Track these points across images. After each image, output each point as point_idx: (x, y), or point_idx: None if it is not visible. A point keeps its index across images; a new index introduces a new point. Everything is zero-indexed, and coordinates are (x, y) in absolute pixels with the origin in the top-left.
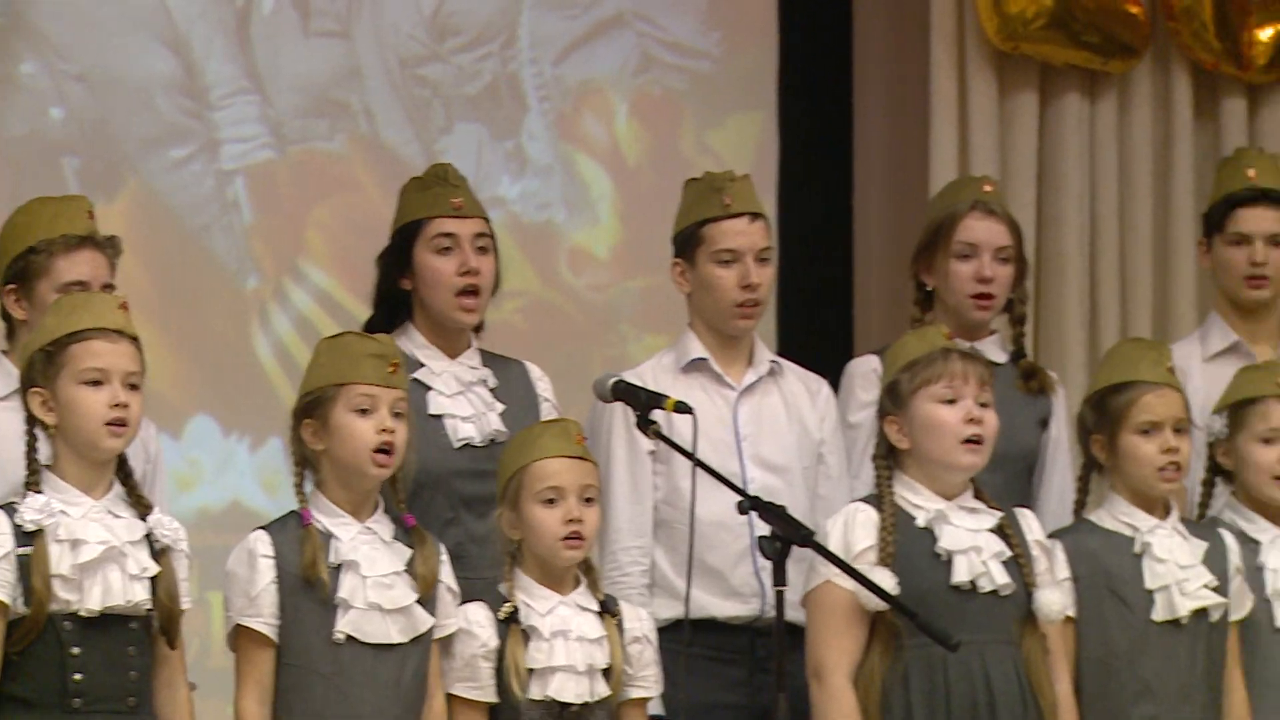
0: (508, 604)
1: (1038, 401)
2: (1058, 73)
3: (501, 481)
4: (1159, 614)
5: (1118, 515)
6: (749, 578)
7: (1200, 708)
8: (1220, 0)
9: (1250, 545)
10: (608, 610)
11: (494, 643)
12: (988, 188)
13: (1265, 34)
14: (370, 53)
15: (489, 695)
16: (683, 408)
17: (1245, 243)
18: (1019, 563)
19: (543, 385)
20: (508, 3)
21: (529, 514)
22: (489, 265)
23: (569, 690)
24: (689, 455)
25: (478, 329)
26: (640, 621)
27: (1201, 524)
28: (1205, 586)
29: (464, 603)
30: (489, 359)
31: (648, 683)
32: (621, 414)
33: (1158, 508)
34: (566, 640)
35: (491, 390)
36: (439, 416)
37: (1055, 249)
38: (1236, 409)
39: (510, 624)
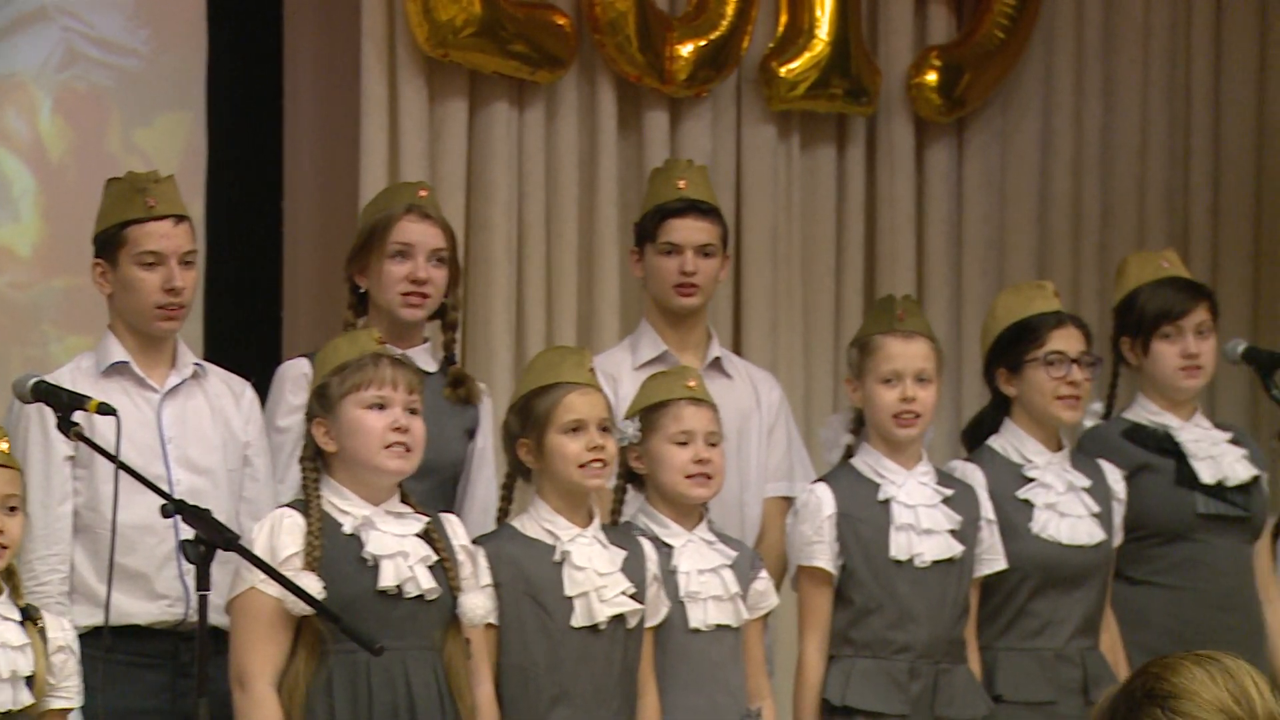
0: None
1: (466, 411)
2: (487, 81)
3: None
4: (578, 620)
5: (541, 522)
6: (173, 582)
7: (614, 711)
8: (643, 16)
9: (664, 550)
10: (29, 617)
11: None
12: (423, 193)
13: (686, 50)
14: None
15: None
16: (105, 409)
17: (676, 252)
18: (445, 567)
19: None
20: None
21: None
22: None
23: None
24: (111, 458)
25: None
26: (63, 631)
27: (621, 532)
28: (623, 594)
29: None
30: None
31: (70, 693)
32: (37, 417)
33: (581, 513)
34: None
35: None
36: None
37: (483, 255)
38: (649, 413)
39: None
